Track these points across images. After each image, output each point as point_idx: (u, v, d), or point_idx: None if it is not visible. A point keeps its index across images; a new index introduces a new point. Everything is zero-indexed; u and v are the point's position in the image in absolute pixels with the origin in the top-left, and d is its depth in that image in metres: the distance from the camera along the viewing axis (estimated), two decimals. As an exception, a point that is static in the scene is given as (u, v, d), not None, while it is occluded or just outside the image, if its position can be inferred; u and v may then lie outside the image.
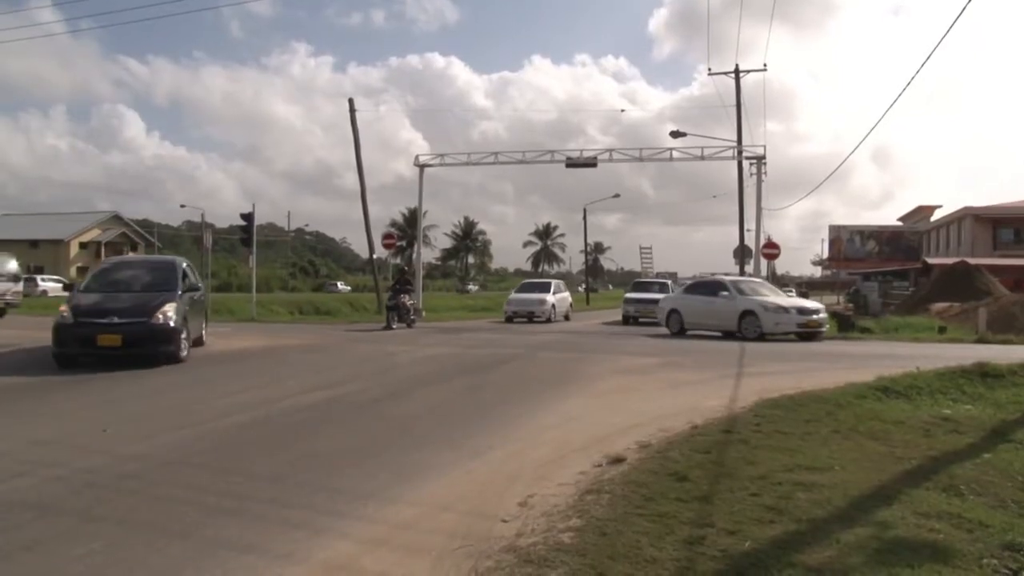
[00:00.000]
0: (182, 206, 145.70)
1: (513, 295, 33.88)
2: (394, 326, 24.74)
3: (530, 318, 30.75)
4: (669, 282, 36.02)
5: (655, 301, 28.14)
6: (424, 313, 30.65)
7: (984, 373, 10.13)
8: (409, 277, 28.54)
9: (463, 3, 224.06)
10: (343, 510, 5.07)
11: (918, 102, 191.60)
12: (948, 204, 71.14)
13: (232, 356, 15.73)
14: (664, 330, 23.47)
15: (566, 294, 35.07)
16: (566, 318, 33.10)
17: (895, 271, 57.15)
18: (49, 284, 59.91)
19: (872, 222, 77.65)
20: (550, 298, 31.43)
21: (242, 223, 30.45)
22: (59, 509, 4.98)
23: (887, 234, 69.86)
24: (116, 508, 5.06)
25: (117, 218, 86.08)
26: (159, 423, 8.13)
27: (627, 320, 30.94)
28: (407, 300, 26.09)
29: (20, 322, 23.84)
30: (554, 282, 35.57)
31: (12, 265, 29.90)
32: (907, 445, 6.64)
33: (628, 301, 31.93)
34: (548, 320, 30.55)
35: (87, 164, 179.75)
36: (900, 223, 73.92)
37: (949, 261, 42.31)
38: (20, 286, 30.85)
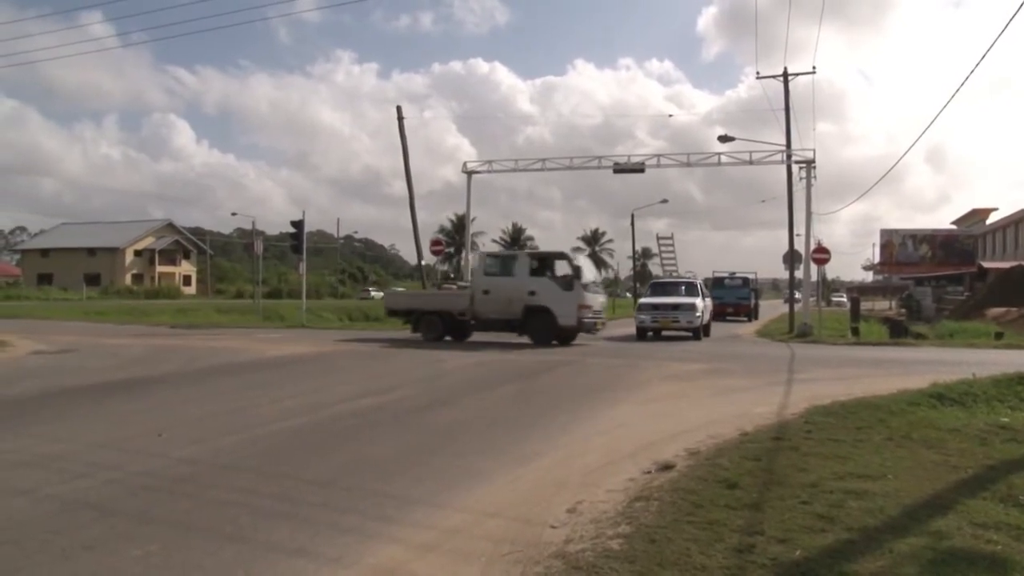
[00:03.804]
0: (233, 214, 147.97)
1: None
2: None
3: None
4: (699, 282, 27.69)
5: (680, 307, 23.49)
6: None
7: (1043, 380, 9.86)
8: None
9: (513, 4, 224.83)
10: (392, 515, 5.12)
11: (976, 100, 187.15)
12: (1005, 207, 69.33)
13: (283, 362, 15.97)
14: (709, 336, 22.31)
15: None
16: None
17: (949, 276, 56.04)
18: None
19: (926, 226, 75.79)
20: None
21: (292, 230, 30.95)
22: (117, 511, 5.12)
23: (941, 238, 68.60)
24: (172, 510, 5.18)
25: (171, 226, 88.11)
26: (213, 427, 8.30)
27: (642, 334, 23.93)
28: None
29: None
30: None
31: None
32: (962, 453, 6.50)
33: (643, 308, 24.18)
34: None
35: (139, 172, 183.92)
36: (954, 227, 72.40)
37: (1006, 265, 41.31)
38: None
